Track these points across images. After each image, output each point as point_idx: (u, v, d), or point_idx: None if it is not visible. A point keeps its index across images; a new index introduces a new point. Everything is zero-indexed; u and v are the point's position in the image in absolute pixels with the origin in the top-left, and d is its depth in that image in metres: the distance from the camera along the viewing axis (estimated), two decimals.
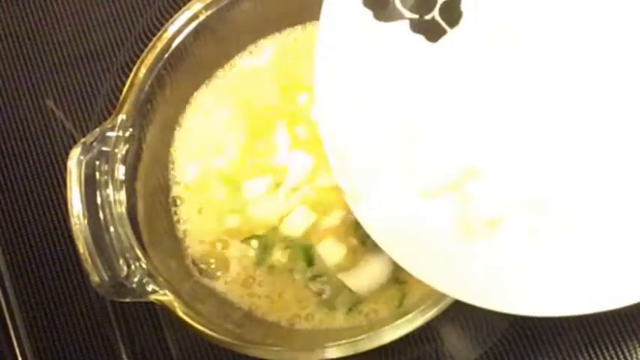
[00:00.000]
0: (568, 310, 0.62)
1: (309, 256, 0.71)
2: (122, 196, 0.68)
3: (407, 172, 0.65)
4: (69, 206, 0.66)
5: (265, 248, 0.72)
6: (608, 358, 0.72)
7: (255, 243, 0.72)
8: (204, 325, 0.66)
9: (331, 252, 0.71)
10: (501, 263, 0.63)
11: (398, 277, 0.69)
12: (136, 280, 0.66)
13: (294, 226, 0.71)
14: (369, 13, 0.66)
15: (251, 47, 0.76)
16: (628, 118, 0.64)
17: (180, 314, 0.66)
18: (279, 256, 0.71)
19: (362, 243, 0.70)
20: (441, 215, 0.64)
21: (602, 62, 0.65)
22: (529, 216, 0.64)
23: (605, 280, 0.62)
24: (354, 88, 0.66)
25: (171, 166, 0.74)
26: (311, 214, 0.71)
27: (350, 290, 0.70)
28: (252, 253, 0.72)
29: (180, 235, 0.73)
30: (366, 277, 0.70)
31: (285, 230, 0.71)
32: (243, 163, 0.73)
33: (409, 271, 0.64)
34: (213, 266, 0.72)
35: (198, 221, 0.73)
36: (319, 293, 0.70)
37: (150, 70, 0.71)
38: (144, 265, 0.67)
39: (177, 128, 0.75)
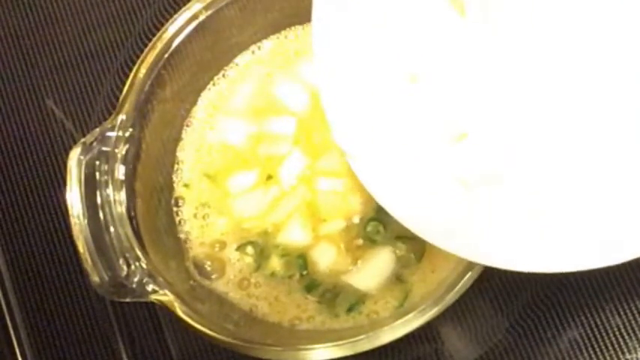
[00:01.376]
0: (574, 265, 0.62)
1: (304, 264, 0.71)
2: (122, 196, 0.68)
3: (403, 131, 0.65)
4: (69, 206, 0.66)
5: (262, 254, 0.72)
6: (608, 358, 0.72)
7: (250, 250, 0.72)
8: (204, 325, 0.66)
9: (324, 255, 0.71)
10: (502, 222, 0.63)
11: (400, 275, 0.70)
12: (136, 280, 0.66)
13: (293, 240, 0.71)
14: None
15: (253, 47, 0.76)
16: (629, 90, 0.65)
17: (181, 314, 0.66)
18: (275, 264, 0.71)
19: (371, 241, 0.70)
20: (441, 175, 0.64)
21: (608, 39, 0.65)
22: (527, 175, 0.64)
23: (605, 235, 0.62)
24: (352, 47, 0.65)
25: (176, 166, 0.74)
26: (308, 228, 0.71)
27: (350, 290, 0.70)
28: (248, 259, 0.72)
29: (182, 235, 0.73)
30: (370, 273, 0.70)
31: (281, 241, 0.72)
32: (236, 161, 0.74)
33: (413, 230, 0.63)
34: (212, 268, 0.72)
35: (198, 222, 0.73)
36: (319, 301, 0.70)
37: (150, 70, 0.70)
38: (144, 265, 0.66)
39: (186, 128, 0.75)
